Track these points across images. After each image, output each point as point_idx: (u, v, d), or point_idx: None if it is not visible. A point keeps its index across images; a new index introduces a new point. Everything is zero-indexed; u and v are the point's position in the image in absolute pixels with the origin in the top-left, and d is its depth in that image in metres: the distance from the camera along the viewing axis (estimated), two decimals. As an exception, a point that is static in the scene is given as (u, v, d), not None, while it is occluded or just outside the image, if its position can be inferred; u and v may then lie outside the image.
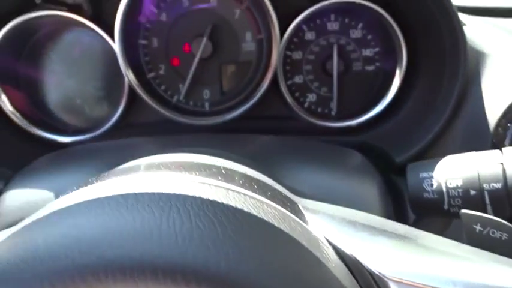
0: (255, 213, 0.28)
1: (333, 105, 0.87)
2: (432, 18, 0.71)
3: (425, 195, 0.54)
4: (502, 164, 0.51)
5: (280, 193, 0.38)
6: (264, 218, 0.28)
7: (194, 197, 0.28)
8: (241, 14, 0.85)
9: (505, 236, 0.43)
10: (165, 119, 0.83)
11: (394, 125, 0.80)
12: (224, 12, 0.84)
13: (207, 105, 0.87)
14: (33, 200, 0.50)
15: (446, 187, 0.53)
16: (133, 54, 0.83)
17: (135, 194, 0.28)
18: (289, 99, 0.85)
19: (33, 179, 0.58)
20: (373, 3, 0.79)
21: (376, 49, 0.87)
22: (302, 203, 0.40)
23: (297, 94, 0.88)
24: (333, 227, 0.34)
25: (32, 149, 0.79)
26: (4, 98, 0.79)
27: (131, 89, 0.80)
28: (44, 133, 0.82)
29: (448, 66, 0.71)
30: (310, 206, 0.39)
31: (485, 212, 0.52)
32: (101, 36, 0.78)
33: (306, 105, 0.89)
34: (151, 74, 0.85)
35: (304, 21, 0.84)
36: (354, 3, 0.80)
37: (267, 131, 0.86)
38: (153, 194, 0.28)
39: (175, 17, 0.84)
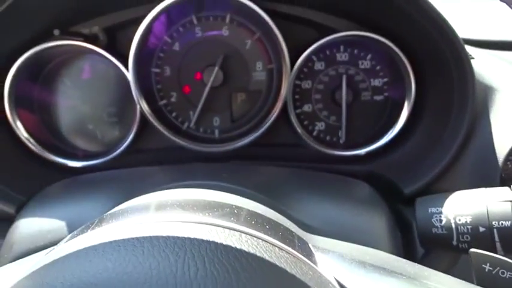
0: (267, 258, 0.29)
1: (342, 133, 0.88)
2: (440, 51, 0.72)
3: (434, 230, 0.54)
4: (511, 201, 0.51)
5: (291, 232, 0.39)
6: (277, 263, 0.29)
7: (208, 242, 0.28)
8: (252, 44, 0.86)
9: (514, 277, 0.43)
10: (175, 145, 0.84)
11: (402, 155, 0.81)
12: (236, 42, 0.86)
13: (216, 132, 0.88)
14: (46, 229, 0.51)
15: (455, 223, 0.53)
16: (145, 82, 0.84)
17: (151, 238, 0.28)
18: (298, 127, 0.85)
19: (46, 207, 0.58)
20: (382, 37, 0.80)
21: (385, 79, 0.88)
22: (313, 241, 0.40)
23: (306, 122, 0.89)
24: (344, 268, 0.35)
25: (43, 174, 0.80)
26: (19, 124, 0.81)
27: (142, 116, 0.82)
28: (56, 158, 0.83)
29: (456, 99, 0.72)
30: (321, 244, 0.40)
31: (495, 249, 0.52)
32: (115, 65, 0.80)
33: (314, 133, 0.90)
34: (163, 102, 0.87)
35: (314, 52, 0.85)
36: (364, 36, 0.82)
37: (276, 158, 0.88)
38: (168, 238, 0.28)
39: (188, 47, 0.86)
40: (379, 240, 0.53)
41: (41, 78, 0.86)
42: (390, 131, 0.84)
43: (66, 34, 0.78)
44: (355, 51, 0.87)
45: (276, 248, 0.31)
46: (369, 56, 0.87)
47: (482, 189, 0.55)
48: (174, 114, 0.88)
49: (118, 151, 0.83)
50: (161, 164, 0.75)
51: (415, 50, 0.80)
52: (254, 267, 0.28)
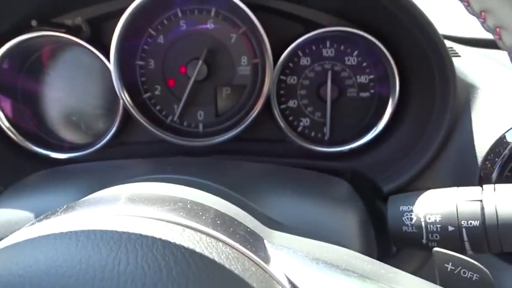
0: (206, 253, 0.29)
1: (326, 130, 0.87)
2: (422, 49, 0.71)
3: (405, 228, 0.54)
4: (480, 201, 0.51)
5: (245, 228, 0.38)
6: (216, 258, 0.29)
7: (146, 236, 0.28)
8: (237, 38, 0.86)
9: (475, 277, 0.42)
10: (159, 139, 0.84)
11: (384, 153, 0.80)
12: (221, 36, 0.86)
13: (200, 126, 0.88)
14: (14, 220, 0.51)
15: (425, 222, 0.53)
16: (130, 75, 0.84)
17: (88, 231, 0.28)
18: (282, 123, 0.85)
19: (20, 197, 0.59)
20: (367, 33, 0.80)
21: (371, 76, 0.87)
22: (271, 237, 0.40)
23: (290, 118, 0.89)
24: (296, 264, 0.35)
25: (25, 165, 0.81)
26: (0, 113, 0.81)
27: (126, 109, 0.82)
28: (38, 148, 0.83)
29: (437, 98, 0.72)
30: (278, 240, 0.39)
31: (464, 249, 0.52)
32: (98, 57, 0.80)
33: (299, 129, 0.89)
34: (147, 94, 0.87)
35: (300, 47, 0.85)
36: (348, 31, 0.81)
37: (260, 153, 0.87)
38: (106, 232, 0.28)
39: (172, 40, 0.85)
40: (349, 238, 0.53)
41: (25, 68, 0.86)
42: (374, 129, 0.83)
43: (49, 25, 0.78)
44: (342, 47, 0.87)
45: (220, 243, 0.31)
46: (356, 53, 0.87)
47: (454, 188, 0.55)
48: (158, 107, 0.88)
49: (100, 144, 0.83)
50: (144, 157, 0.75)
51: (400, 47, 0.79)
52: (189, 262, 0.27)
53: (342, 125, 0.88)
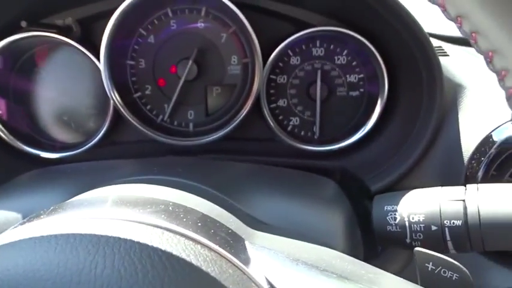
0: (183, 256, 0.29)
1: (316, 129, 0.88)
2: (409, 49, 0.72)
3: (389, 228, 0.55)
4: (463, 201, 0.52)
5: (228, 229, 0.39)
6: (193, 261, 0.29)
7: (124, 240, 0.29)
8: (227, 38, 0.86)
9: (455, 277, 0.43)
10: (149, 138, 0.84)
11: (373, 152, 0.81)
12: (211, 36, 0.86)
13: (191, 125, 0.89)
14: (2, 221, 0.51)
15: (409, 221, 0.53)
16: (120, 74, 0.85)
17: (68, 235, 0.29)
18: (271, 122, 0.86)
19: (10, 197, 0.59)
20: (356, 33, 0.80)
21: (361, 75, 0.88)
22: (252, 238, 0.41)
23: (280, 117, 0.90)
24: (275, 265, 0.35)
25: (16, 164, 0.81)
26: (-9, 113, 0.81)
27: (116, 108, 0.82)
28: (28, 148, 0.83)
29: (424, 97, 0.72)
30: (259, 241, 0.40)
31: (447, 248, 0.53)
32: (89, 57, 0.80)
33: (289, 128, 0.90)
34: (138, 94, 0.87)
35: (290, 46, 0.85)
36: (337, 31, 0.81)
37: (251, 152, 0.88)
38: (85, 235, 0.29)
39: (163, 39, 0.86)
40: (334, 238, 0.53)
41: (16, 68, 0.86)
42: (363, 128, 0.84)
43: (39, 25, 0.78)
44: (331, 46, 0.87)
45: (199, 245, 0.32)
46: (345, 52, 0.87)
47: (438, 188, 0.55)
48: (148, 107, 0.88)
49: (91, 143, 0.83)
50: (135, 156, 0.75)
51: (388, 47, 0.80)
52: (166, 265, 0.28)
53: (331, 124, 0.89)
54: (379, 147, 0.81)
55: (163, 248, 0.29)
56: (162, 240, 0.30)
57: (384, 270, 0.63)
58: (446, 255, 0.46)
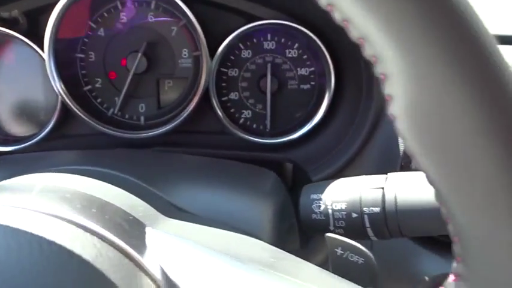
0: (60, 240, 0.29)
1: (267, 122, 0.89)
2: (352, 45, 0.72)
3: (314, 216, 0.56)
4: (382, 188, 0.53)
5: (128, 216, 0.39)
6: (67, 245, 0.30)
7: (2, 225, 0.29)
8: (178, 31, 0.86)
9: (361, 261, 0.44)
10: (98, 131, 0.84)
11: (319, 144, 0.82)
12: (161, 29, 0.86)
13: (142, 118, 0.89)
14: None
15: (332, 209, 0.54)
16: (69, 67, 0.85)
17: None
18: (221, 115, 0.86)
19: None
20: (305, 27, 0.81)
21: (312, 68, 0.89)
22: (159, 224, 0.41)
23: (232, 110, 0.90)
24: (176, 251, 0.35)
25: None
26: None
27: (63, 101, 0.82)
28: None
29: (364, 89, 0.73)
30: (168, 228, 0.40)
31: (367, 235, 0.54)
32: (36, 50, 0.80)
33: (241, 121, 0.90)
34: (88, 87, 0.87)
35: (241, 40, 0.86)
36: (285, 25, 0.82)
37: (202, 145, 0.89)
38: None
39: (113, 33, 0.86)
40: (260, 228, 0.54)
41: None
42: (312, 120, 0.85)
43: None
44: (283, 40, 0.88)
45: (81, 230, 0.32)
46: (296, 45, 0.88)
47: (363, 176, 0.56)
48: (99, 100, 0.88)
49: (40, 136, 0.83)
50: (86, 149, 0.75)
51: (335, 42, 0.81)
52: (43, 249, 0.28)
53: (283, 116, 0.90)
54: (324, 139, 0.82)
55: (37, 233, 0.29)
56: (41, 225, 0.30)
57: (314, 258, 0.64)
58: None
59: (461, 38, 0.25)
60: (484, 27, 0.26)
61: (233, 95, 0.90)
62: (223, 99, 0.89)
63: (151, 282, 0.33)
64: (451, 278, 0.28)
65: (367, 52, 0.31)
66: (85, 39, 0.86)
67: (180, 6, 0.79)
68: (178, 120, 0.84)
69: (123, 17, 0.86)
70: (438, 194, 0.28)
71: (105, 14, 0.85)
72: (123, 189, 0.45)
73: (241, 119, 0.90)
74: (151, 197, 0.48)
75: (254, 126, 0.91)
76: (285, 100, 0.89)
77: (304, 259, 0.44)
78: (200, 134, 0.90)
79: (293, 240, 0.61)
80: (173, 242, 0.38)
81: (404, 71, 0.28)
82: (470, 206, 0.27)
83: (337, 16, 0.31)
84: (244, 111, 0.90)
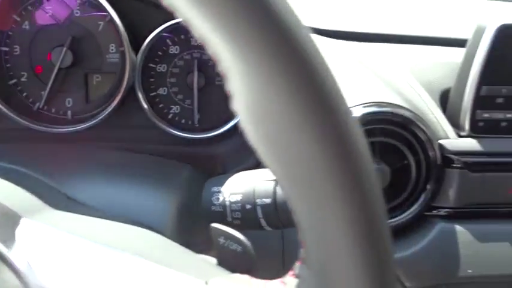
0: None
1: (194, 117, 0.90)
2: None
3: (213, 208, 0.58)
4: (275, 180, 0.55)
5: (1, 206, 0.40)
6: None
7: None
8: (105, 26, 0.87)
9: (239, 249, 0.46)
10: (23, 126, 0.84)
11: (240, 139, 0.84)
12: (87, 23, 0.86)
13: (69, 113, 0.89)
14: None
15: (229, 201, 0.57)
16: (-7, 61, 0.84)
17: None
18: (147, 109, 0.87)
19: None
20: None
21: (240, 65, 0.91)
22: (37, 215, 0.42)
23: (161, 105, 0.91)
24: (48, 242, 0.37)
25: None
26: None
27: (-13, 95, 0.82)
28: None
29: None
30: (49, 220, 0.42)
31: (260, 225, 0.56)
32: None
33: (170, 116, 0.92)
34: (13, 81, 0.87)
35: (168, 36, 0.87)
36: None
37: (131, 140, 0.89)
38: None
39: (38, 26, 0.86)
40: (160, 221, 0.56)
41: None
42: (236, 116, 0.87)
43: None
44: (211, 36, 0.90)
45: None
46: (224, 42, 0.90)
47: (259, 170, 0.59)
48: (25, 94, 0.88)
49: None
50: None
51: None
52: None
53: (211, 112, 0.91)
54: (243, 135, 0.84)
55: None
56: None
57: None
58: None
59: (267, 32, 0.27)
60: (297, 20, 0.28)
61: (162, 90, 0.91)
62: (152, 94, 0.90)
63: (14, 276, 0.34)
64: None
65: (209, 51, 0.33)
66: (9, 33, 0.85)
67: (101, 1, 0.80)
68: (104, 114, 0.85)
69: (49, 10, 0.86)
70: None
71: (30, 8, 0.85)
72: (11, 181, 0.46)
73: (170, 114, 0.92)
74: (44, 190, 0.49)
75: (183, 121, 0.92)
76: (212, 96, 0.91)
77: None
78: (129, 128, 0.91)
79: (200, 232, 0.63)
80: (47, 232, 0.39)
81: (232, 69, 0.30)
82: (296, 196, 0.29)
83: (179, 16, 0.33)
84: (172, 106, 0.92)
